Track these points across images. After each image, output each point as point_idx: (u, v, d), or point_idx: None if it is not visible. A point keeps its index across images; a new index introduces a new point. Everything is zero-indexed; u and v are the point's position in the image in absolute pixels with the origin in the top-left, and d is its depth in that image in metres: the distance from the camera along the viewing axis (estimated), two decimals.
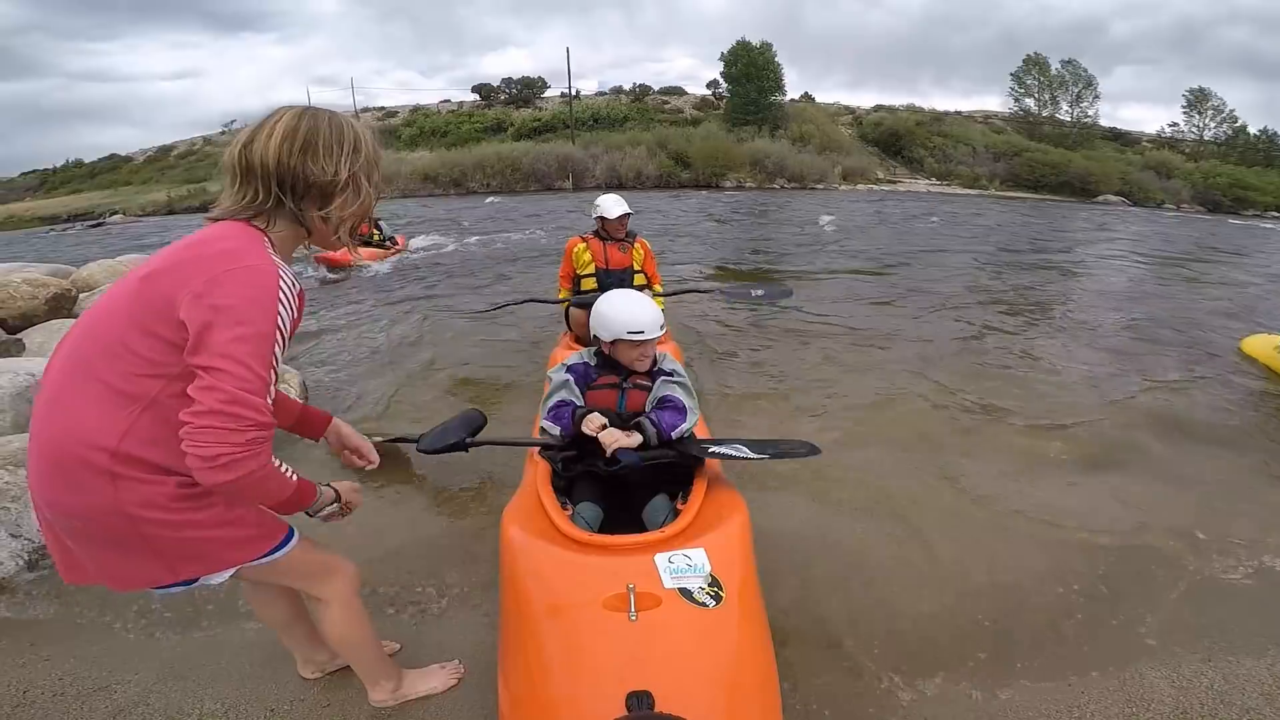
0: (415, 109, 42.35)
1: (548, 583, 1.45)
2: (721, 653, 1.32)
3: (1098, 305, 6.54)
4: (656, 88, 43.34)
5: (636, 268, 3.89)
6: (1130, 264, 9.75)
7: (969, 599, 2.02)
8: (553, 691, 1.26)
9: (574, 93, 37.13)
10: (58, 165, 42.02)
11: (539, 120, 35.36)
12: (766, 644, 1.42)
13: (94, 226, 20.55)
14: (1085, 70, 35.80)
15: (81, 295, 5.81)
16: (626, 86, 43.42)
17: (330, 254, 8.03)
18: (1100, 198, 28.08)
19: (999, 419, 3.50)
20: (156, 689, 1.61)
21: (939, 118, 37.24)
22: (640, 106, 38.68)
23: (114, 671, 1.65)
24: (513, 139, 32.40)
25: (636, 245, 3.94)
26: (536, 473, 1.91)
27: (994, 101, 57.22)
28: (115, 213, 24.09)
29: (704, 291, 4.48)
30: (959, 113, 41.20)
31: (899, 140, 33.79)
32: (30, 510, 2.50)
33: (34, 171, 42.35)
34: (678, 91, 43.42)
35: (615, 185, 25.49)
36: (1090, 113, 36.09)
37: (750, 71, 32.42)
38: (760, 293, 4.18)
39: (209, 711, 1.55)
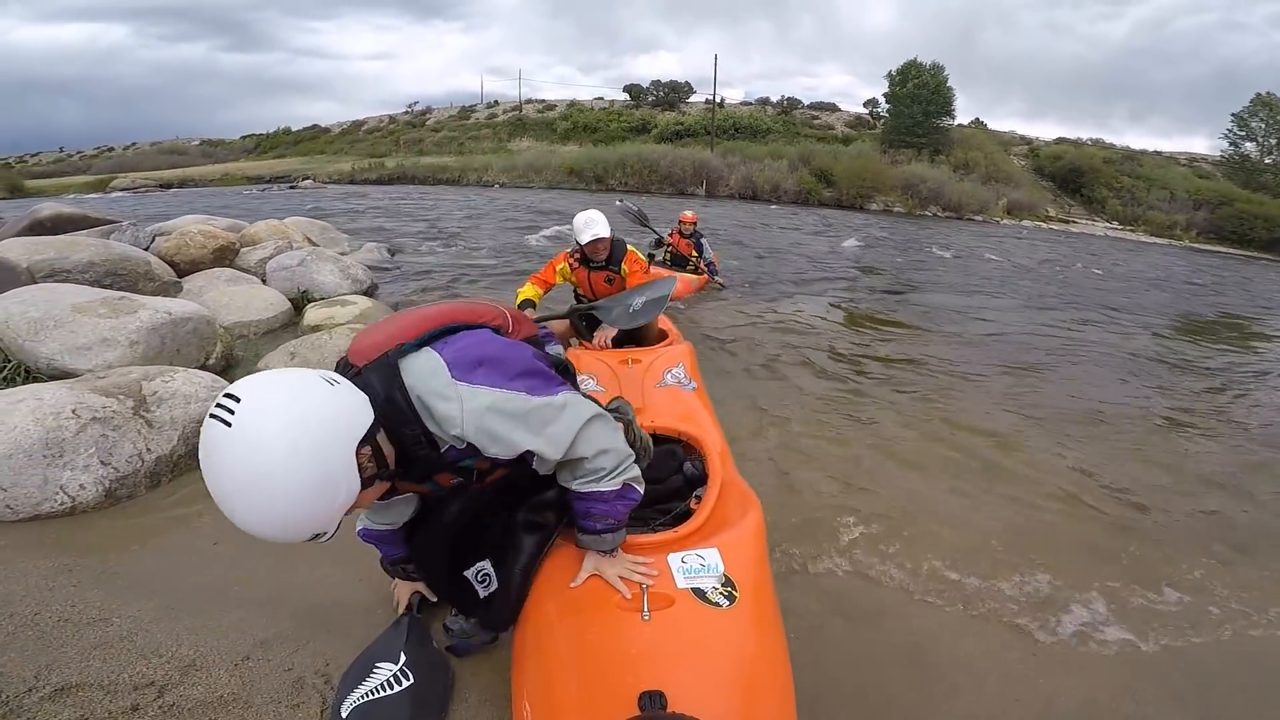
0: (571, 103, 44.44)
1: (561, 582, 1.45)
2: (735, 653, 1.32)
3: None
4: (806, 102, 42.22)
5: None
6: None
7: None
8: (565, 690, 1.26)
9: (719, 100, 36.91)
10: (270, 132, 48.88)
11: (681, 124, 35.67)
12: (781, 644, 1.40)
13: (289, 189, 23.66)
14: None
15: (243, 249, 6.64)
16: (774, 98, 42.72)
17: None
18: None
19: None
20: (147, 627, 1.74)
21: (1131, 156, 33.02)
22: (786, 120, 37.81)
23: (122, 605, 1.81)
24: (655, 140, 32.99)
25: (624, 265, 3.50)
26: None
27: (1200, 144, 49.74)
28: (306, 178, 27.52)
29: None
30: (1158, 153, 36.31)
31: (1080, 177, 30.39)
32: (125, 441, 2.76)
33: (250, 135, 49.58)
34: (830, 108, 42.00)
35: (750, 197, 25.09)
36: None
37: (919, 93, 30.58)
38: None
39: (181, 656, 1.65)
